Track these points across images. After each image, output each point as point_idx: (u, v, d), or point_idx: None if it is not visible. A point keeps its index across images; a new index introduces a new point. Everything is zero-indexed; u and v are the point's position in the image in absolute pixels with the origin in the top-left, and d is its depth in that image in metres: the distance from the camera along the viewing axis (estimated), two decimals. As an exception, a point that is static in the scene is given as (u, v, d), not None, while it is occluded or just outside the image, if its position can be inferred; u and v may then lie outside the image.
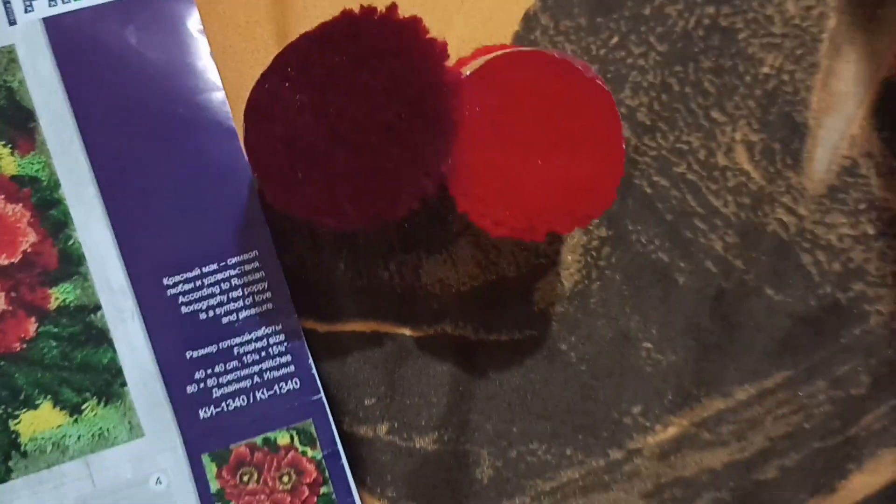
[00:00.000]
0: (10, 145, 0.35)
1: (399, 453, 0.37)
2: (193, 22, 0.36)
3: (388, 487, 0.37)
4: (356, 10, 0.28)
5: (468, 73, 0.30)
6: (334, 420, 0.36)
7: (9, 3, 0.35)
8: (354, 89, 0.28)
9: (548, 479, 0.37)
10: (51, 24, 0.35)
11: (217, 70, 0.36)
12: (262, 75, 0.28)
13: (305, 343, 0.35)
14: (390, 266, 0.37)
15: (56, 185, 0.35)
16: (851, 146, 0.38)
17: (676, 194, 0.38)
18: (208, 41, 0.36)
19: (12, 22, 0.35)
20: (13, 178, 0.35)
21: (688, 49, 0.38)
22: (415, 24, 0.28)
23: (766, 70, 0.38)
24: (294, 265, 0.37)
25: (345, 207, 0.28)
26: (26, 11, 0.35)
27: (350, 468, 0.36)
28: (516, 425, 0.37)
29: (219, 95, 0.36)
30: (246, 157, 0.35)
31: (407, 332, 0.37)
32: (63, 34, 0.35)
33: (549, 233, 0.29)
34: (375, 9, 0.28)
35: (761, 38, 0.38)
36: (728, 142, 0.38)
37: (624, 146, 0.30)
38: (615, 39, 0.38)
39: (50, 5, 0.35)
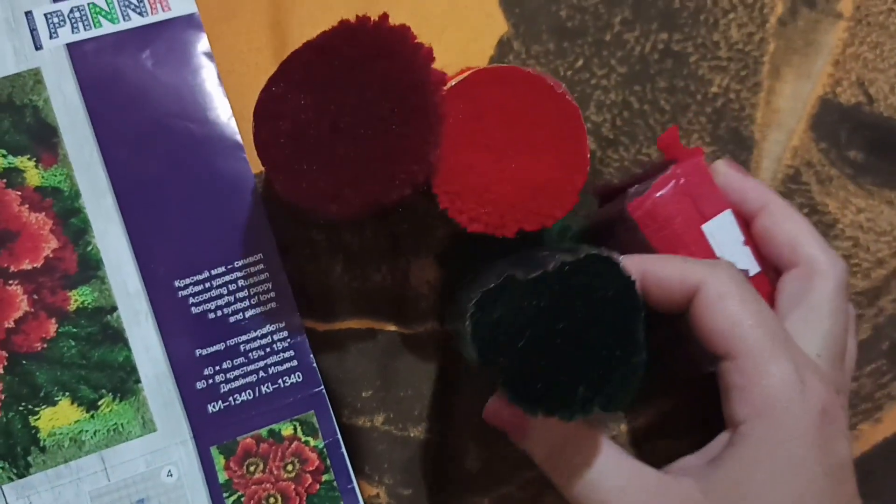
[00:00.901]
0: (34, 159, 0.38)
1: (395, 442, 0.39)
2: (203, 48, 0.40)
3: (385, 475, 0.39)
4: (352, 20, 0.32)
5: (451, 85, 0.34)
6: (334, 412, 0.38)
7: (35, 29, 0.38)
8: (351, 88, 0.31)
9: (533, 468, 0.40)
10: (74, 49, 0.39)
11: (224, 91, 0.39)
12: (270, 79, 0.31)
13: (307, 339, 0.38)
14: (382, 269, 0.40)
15: (77, 195, 0.38)
16: (793, 157, 0.42)
17: (639, 199, 0.41)
18: (216, 65, 0.40)
19: (38, 47, 0.38)
20: (37, 188, 0.37)
21: (645, 71, 0.42)
22: (403, 30, 0.31)
23: (714, 90, 0.42)
24: (294, 273, 0.39)
25: (346, 193, 0.31)
26: (51, 38, 0.38)
27: (350, 458, 0.38)
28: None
29: (226, 113, 0.39)
30: (251, 168, 0.39)
31: (399, 329, 0.40)
32: (85, 58, 0.39)
33: (518, 230, 0.33)
34: (369, 18, 0.31)
35: (710, 62, 0.42)
36: (683, 153, 0.42)
37: (588, 154, 0.33)
38: (580, 62, 0.42)
39: (73, 32, 0.39)
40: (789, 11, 0.42)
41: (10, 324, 0.36)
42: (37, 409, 0.36)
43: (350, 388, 0.39)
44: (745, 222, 0.35)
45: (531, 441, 0.33)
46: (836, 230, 0.41)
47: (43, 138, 0.38)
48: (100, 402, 0.37)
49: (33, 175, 0.38)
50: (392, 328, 0.40)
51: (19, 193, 0.37)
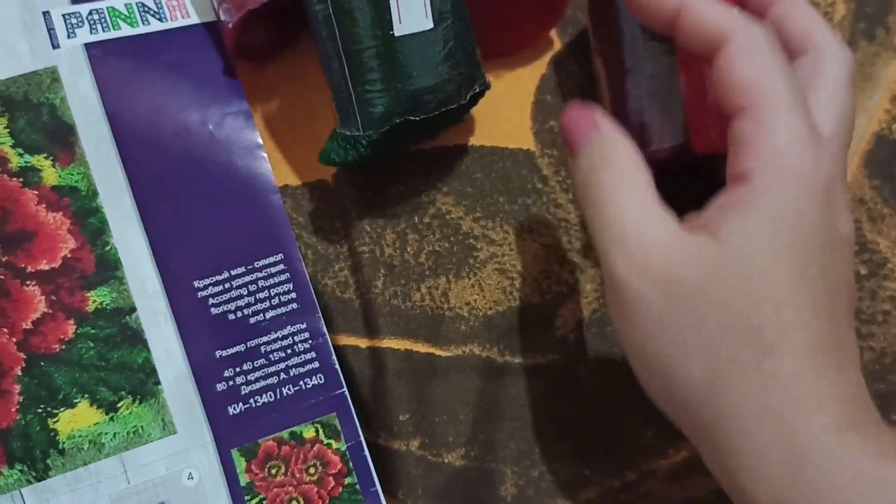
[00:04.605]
0: (51, 158, 0.37)
1: (429, 468, 0.39)
2: (221, 50, 0.39)
3: (418, 501, 0.38)
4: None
5: None
6: (371, 432, 0.38)
7: (53, 29, 0.38)
8: None
9: (567, 499, 0.39)
10: (92, 49, 0.38)
11: (244, 92, 0.39)
12: None
13: (329, 340, 0.38)
14: (422, 288, 0.40)
15: (94, 194, 0.37)
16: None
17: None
18: (235, 66, 0.39)
19: (56, 46, 0.38)
20: (54, 188, 0.37)
21: None
22: None
23: None
24: (337, 286, 0.39)
25: None
26: (69, 37, 0.38)
27: (383, 481, 0.37)
28: (538, 446, 0.39)
29: (245, 112, 0.39)
30: (271, 169, 0.38)
31: (437, 351, 0.39)
32: (103, 58, 0.38)
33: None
34: None
35: None
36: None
37: None
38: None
39: (91, 33, 0.38)
40: (849, 43, 0.42)
41: (27, 325, 0.36)
42: (55, 411, 0.36)
43: (387, 410, 0.39)
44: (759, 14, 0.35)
45: (579, 158, 0.32)
46: (886, 269, 0.40)
47: (59, 137, 0.37)
48: (119, 405, 0.36)
49: (50, 174, 0.37)
50: (431, 350, 0.39)
51: (36, 193, 0.37)
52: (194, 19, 0.40)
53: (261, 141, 0.39)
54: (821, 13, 0.41)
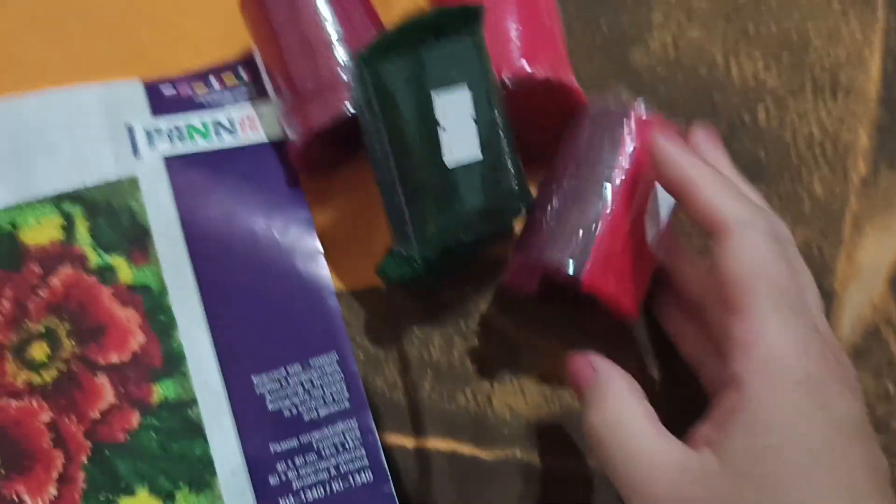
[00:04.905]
0: (127, 258, 0.40)
1: None
2: (287, 164, 0.43)
3: None
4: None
5: None
6: None
7: (135, 141, 0.42)
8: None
9: None
10: (170, 159, 0.42)
11: (306, 200, 0.42)
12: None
13: (378, 438, 0.39)
14: (466, 391, 0.41)
15: (164, 293, 0.40)
16: (874, 313, 0.43)
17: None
18: (299, 177, 0.43)
19: (137, 156, 0.41)
20: (128, 286, 0.40)
21: None
22: None
23: (797, 241, 0.42)
24: (386, 386, 0.41)
25: None
26: (150, 149, 0.42)
27: None
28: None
29: (307, 220, 0.42)
30: (330, 273, 0.41)
31: (481, 453, 0.41)
32: (180, 168, 0.42)
33: None
34: None
35: (793, 214, 0.44)
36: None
37: None
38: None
39: (170, 145, 0.42)
40: (871, 171, 0.44)
41: (95, 414, 0.38)
42: (116, 498, 0.37)
43: (433, 511, 0.40)
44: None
45: (585, 398, 0.34)
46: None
47: (136, 238, 0.40)
48: (177, 494, 0.37)
49: (125, 273, 0.40)
50: (473, 450, 0.41)
51: (111, 290, 0.39)
52: (263, 136, 0.43)
53: (320, 247, 0.42)
54: (843, 142, 0.44)
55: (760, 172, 0.44)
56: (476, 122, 0.36)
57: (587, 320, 0.41)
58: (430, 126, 0.36)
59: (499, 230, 0.38)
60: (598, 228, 0.36)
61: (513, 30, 0.40)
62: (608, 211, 0.37)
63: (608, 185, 0.37)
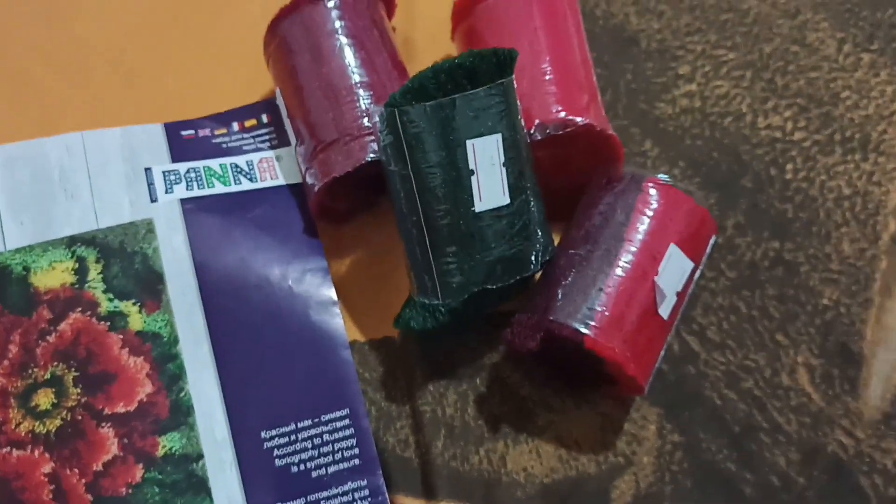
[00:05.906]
0: (138, 304, 0.39)
1: None
2: (305, 210, 0.42)
3: None
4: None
5: None
6: None
7: (152, 184, 0.41)
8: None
9: None
10: (187, 203, 0.41)
11: (323, 249, 0.42)
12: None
13: (388, 499, 0.38)
14: (480, 451, 0.40)
15: (175, 341, 0.39)
16: None
17: (744, 408, 0.41)
18: (316, 225, 0.42)
19: (154, 200, 0.41)
20: (138, 333, 0.39)
21: (754, 277, 0.43)
22: None
23: (825, 301, 0.42)
24: (398, 444, 0.40)
25: None
26: (167, 192, 0.41)
27: None
28: None
29: (323, 269, 0.41)
30: (343, 322, 0.40)
31: None
32: (196, 213, 0.41)
33: None
34: None
35: (821, 273, 0.43)
36: (791, 363, 0.41)
37: None
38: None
39: (187, 189, 0.41)
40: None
41: (98, 467, 0.37)
42: (116, 555, 0.36)
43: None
44: None
45: None
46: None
47: (149, 285, 0.39)
48: (178, 552, 0.36)
49: (136, 320, 0.39)
50: None
51: (121, 337, 0.38)
52: (282, 181, 0.42)
53: (336, 297, 0.41)
54: (873, 199, 0.43)
55: (787, 228, 0.43)
56: (505, 167, 0.36)
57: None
58: (459, 172, 0.35)
59: (522, 278, 0.37)
60: (606, 293, 0.36)
61: (548, 74, 0.39)
62: (618, 278, 0.37)
63: (620, 253, 0.37)
